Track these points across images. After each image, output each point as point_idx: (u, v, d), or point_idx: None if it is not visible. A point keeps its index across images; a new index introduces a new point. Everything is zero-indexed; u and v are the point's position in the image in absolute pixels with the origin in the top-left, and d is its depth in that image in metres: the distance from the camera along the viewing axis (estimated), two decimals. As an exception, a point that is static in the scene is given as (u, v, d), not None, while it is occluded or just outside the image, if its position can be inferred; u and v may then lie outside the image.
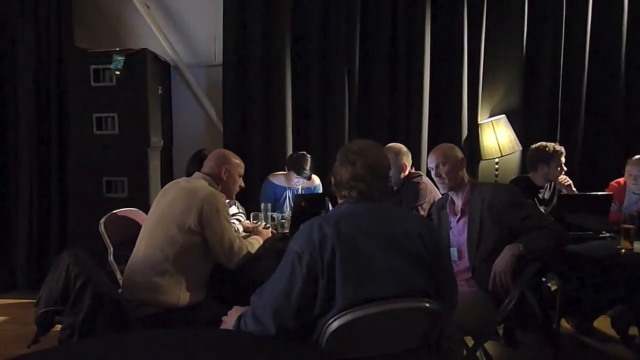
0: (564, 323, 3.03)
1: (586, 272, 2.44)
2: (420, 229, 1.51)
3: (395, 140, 3.37)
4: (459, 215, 2.36)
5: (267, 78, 4.19)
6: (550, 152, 3.05)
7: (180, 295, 2.13)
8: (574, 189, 3.21)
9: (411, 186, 3.03)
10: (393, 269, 1.41)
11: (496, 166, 4.05)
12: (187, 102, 4.48)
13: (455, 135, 4.04)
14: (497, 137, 3.93)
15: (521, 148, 3.92)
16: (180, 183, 2.35)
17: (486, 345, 2.22)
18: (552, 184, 3.23)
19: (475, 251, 2.24)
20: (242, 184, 2.49)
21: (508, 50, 4.08)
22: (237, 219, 3.00)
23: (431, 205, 2.81)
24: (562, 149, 3.08)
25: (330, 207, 2.74)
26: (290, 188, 3.57)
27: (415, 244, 1.47)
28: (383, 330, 1.40)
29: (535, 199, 3.11)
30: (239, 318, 1.47)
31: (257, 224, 2.90)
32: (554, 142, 3.35)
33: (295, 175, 3.45)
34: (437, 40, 4.09)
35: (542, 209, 3.08)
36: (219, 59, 4.28)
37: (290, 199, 3.53)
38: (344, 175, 1.56)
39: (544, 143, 3.12)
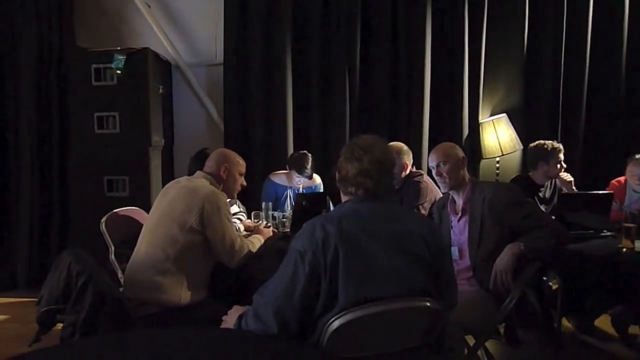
0: (565, 322, 3.02)
1: (587, 271, 2.43)
2: (422, 229, 1.51)
3: (396, 140, 3.36)
4: (459, 215, 2.36)
5: (268, 77, 4.18)
6: (549, 149, 3.07)
7: (182, 294, 2.13)
8: (574, 187, 3.21)
9: (412, 185, 3.03)
10: (394, 268, 1.41)
11: (497, 165, 4.05)
12: (188, 101, 4.48)
13: (456, 134, 4.04)
14: (498, 136, 3.93)
15: (522, 147, 3.91)
16: (181, 182, 2.35)
17: (487, 344, 2.22)
18: (553, 182, 3.24)
19: (476, 250, 2.24)
20: (244, 183, 2.48)
21: (509, 49, 4.08)
22: (238, 218, 3.00)
23: (432, 205, 2.81)
24: (561, 146, 3.10)
25: (331, 206, 2.74)
26: (291, 187, 3.57)
27: (416, 243, 1.47)
28: (384, 329, 1.41)
29: (536, 198, 3.11)
30: (240, 317, 1.47)
31: (258, 223, 2.90)
32: (555, 140, 3.34)
33: (297, 174, 3.45)
34: (437, 40, 4.09)
35: (542, 207, 3.09)
36: (220, 58, 4.28)
37: (291, 198, 3.53)
38: (350, 171, 1.55)
39: (542, 141, 3.14)
